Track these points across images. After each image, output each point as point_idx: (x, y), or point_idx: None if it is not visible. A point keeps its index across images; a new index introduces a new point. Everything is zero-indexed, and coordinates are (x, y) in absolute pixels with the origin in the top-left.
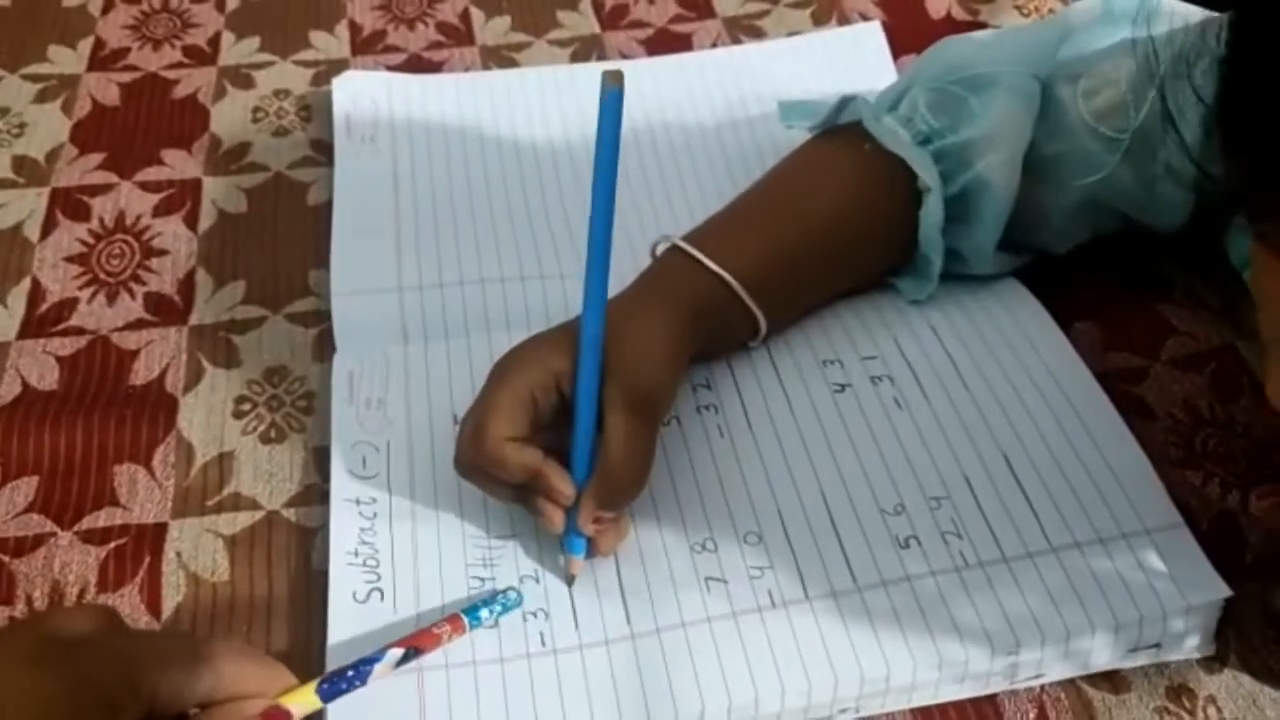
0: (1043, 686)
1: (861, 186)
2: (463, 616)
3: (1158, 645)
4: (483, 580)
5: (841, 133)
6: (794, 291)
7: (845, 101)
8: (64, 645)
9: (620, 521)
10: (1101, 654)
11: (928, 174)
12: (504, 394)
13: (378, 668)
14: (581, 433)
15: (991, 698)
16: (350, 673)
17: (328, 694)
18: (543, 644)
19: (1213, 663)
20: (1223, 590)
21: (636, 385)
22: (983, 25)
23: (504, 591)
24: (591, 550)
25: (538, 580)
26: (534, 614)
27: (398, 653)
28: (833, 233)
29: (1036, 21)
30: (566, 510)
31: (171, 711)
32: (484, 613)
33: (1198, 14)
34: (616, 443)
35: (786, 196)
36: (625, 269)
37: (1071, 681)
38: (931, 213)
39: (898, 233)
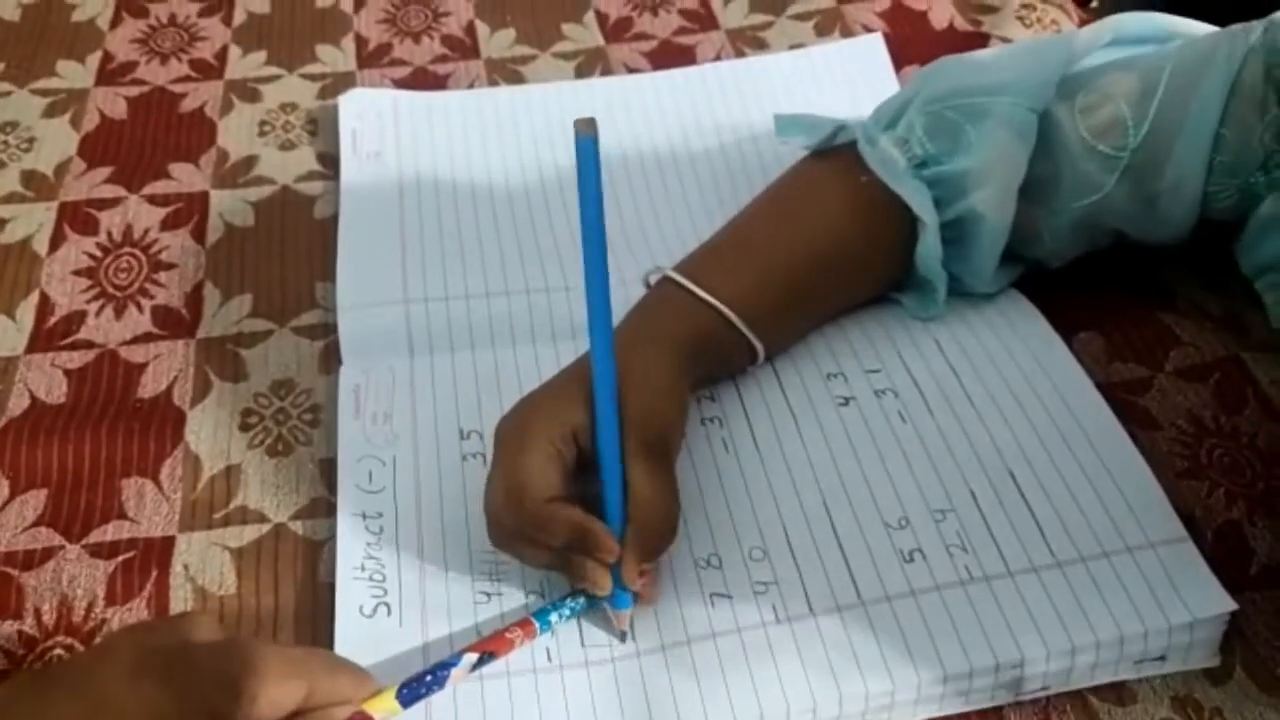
0: (1048, 698)
1: (857, 215)
2: (533, 620)
3: (1163, 657)
4: (489, 596)
5: (837, 156)
6: (791, 318)
7: (840, 128)
8: (166, 655)
9: (657, 565)
10: (1107, 666)
11: (924, 209)
12: (533, 454)
13: (454, 671)
14: (611, 486)
15: (998, 709)
16: (429, 677)
17: (407, 699)
18: (549, 659)
19: (1219, 673)
20: (1228, 604)
21: (651, 431)
22: (985, 37)
23: (573, 595)
24: (638, 601)
25: (543, 595)
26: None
27: (473, 657)
28: (829, 260)
29: (1040, 43)
30: (612, 567)
31: (267, 718)
32: (554, 616)
33: (1203, 30)
34: (647, 493)
35: (782, 223)
36: (629, 277)
37: (1077, 693)
38: (929, 246)
39: (894, 259)
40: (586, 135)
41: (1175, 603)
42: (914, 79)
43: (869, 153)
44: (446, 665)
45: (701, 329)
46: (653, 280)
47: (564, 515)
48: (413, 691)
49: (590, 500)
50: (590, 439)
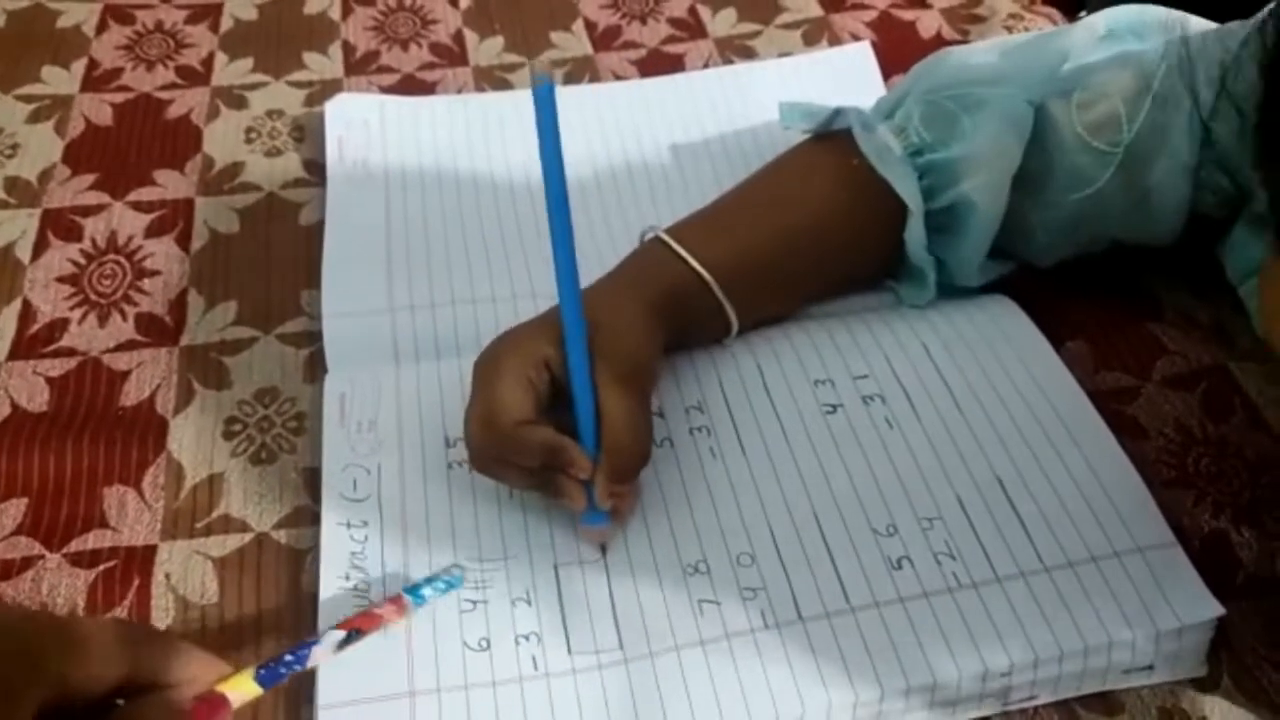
0: (1036, 708)
1: (847, 196)
2: (405, 596)
3: (1151, 666)
4: (474, 604)
5: (833, 140)
6: (771, 291)
7: (838, 112)
8: None
9: (632, 488)
10: (1094, 676)
11: (910, 196)
12: (504, 381)
13: (317, 650)
14: (583, 412)
15: (985, 719)
16: (289, 657)
17: (266, 679)
18: (535, 667)
19: (1206, 684)
20: (1216, 609)
21: (624, 362)
22: None
23: (447, 570)
24: (612, 518)
25: (530, 603)
26: (526, 637)
27: (339, 635)
28: (814, 238)
29: (1039, 36)
30: (585, 486)
31: (87, 698)
32: (427, 591)
33: (1198, 25)
34: (617, 419)
35: (771, 198)
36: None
37: (1064, 703)
38: (914, 232)
39: (883, 244)
40: (543, 80)
41: (1163, 607)
42: (914, 70)
43: (863, 138)
44: (308, 644)
45: (677, 288)
46: (647, 238)
47: (536, 436)
48: (271, 672)
49: (569, 428)
50: (563, 369)
